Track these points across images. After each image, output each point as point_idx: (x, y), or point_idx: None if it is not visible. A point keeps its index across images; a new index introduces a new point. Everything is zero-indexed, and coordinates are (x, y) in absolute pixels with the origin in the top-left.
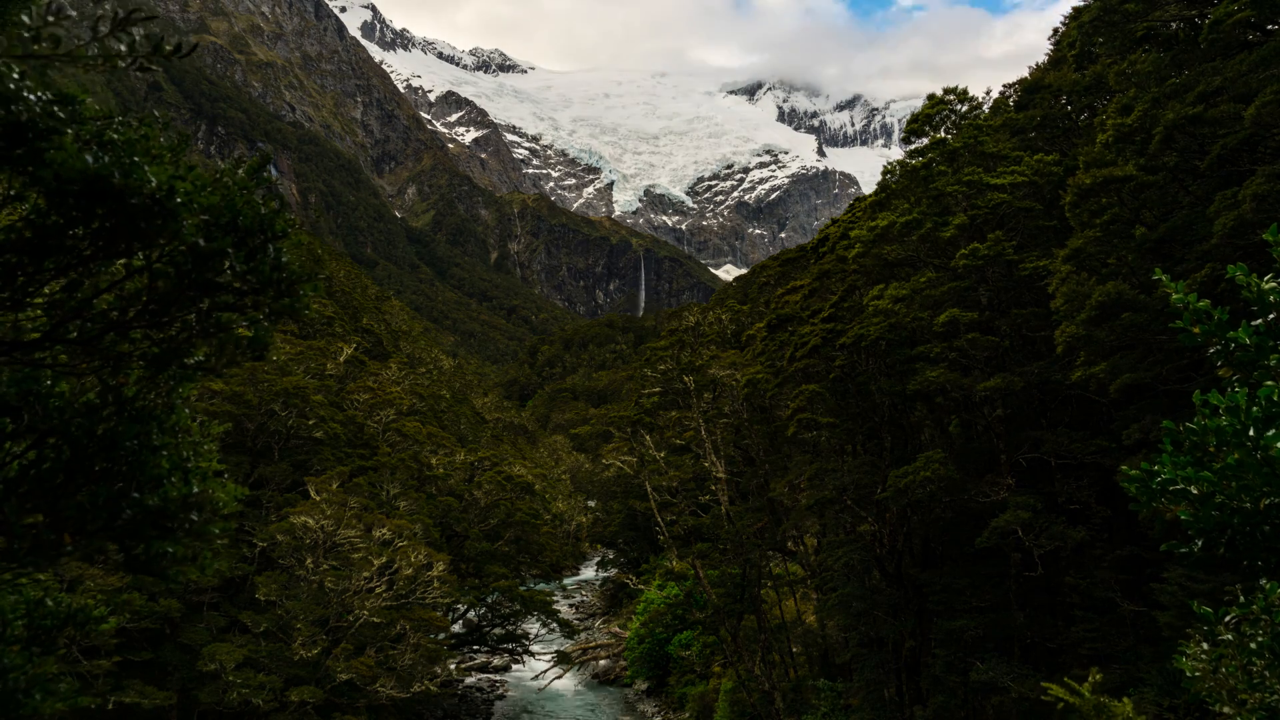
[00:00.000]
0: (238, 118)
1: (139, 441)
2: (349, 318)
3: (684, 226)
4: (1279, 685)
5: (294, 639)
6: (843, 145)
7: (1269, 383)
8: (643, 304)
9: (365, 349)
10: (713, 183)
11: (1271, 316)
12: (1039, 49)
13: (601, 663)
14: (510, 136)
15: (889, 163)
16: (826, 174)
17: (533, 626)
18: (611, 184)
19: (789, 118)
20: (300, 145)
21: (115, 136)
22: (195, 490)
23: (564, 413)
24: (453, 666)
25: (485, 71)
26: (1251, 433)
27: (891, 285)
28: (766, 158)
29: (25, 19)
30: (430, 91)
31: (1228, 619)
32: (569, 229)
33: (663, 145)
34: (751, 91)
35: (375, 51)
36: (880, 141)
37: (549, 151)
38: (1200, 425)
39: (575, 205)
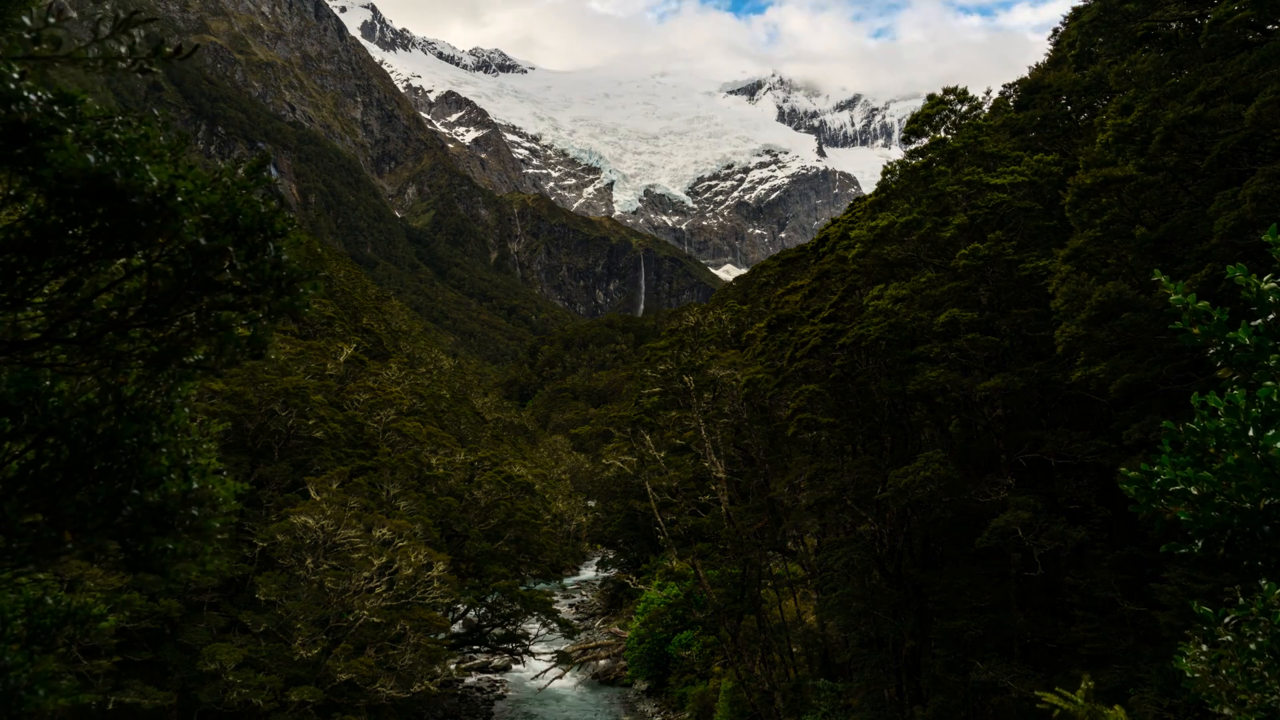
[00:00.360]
0: (238, 118)
1: (138, 440)
2: (349, 318)
3: (684, 226)
4: (1278, 686)
5: (294, 639)
6: (843, 145)
7: (1268, 383)
8: (643, 304)
9: (365, 349)
10: (713, 183)
11: (1271, 317)
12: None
13: (601, 663)
14: (510, 136)
15: (889, 163)
16: (826, 174)
17: (533, 626)
18: (611, 184)
19: (789, 118)
20: (300, 145)
21: (116, 136)
22: (195, 487)
23: (564, 413)
24: (453, 666)
25: (485, 71)
26: (1251, 433)
27: (891, 285)
28: (766, 158)
29: (26, 20)
30: (430, 91)
31: (1227, 620)
32: (569, 229)
33: (663, 145)
34: (751, 91)
35: (375, 51)
36: (880, 141)
37: (549, 151)
38: (1200, 426)
39: (575, 205)
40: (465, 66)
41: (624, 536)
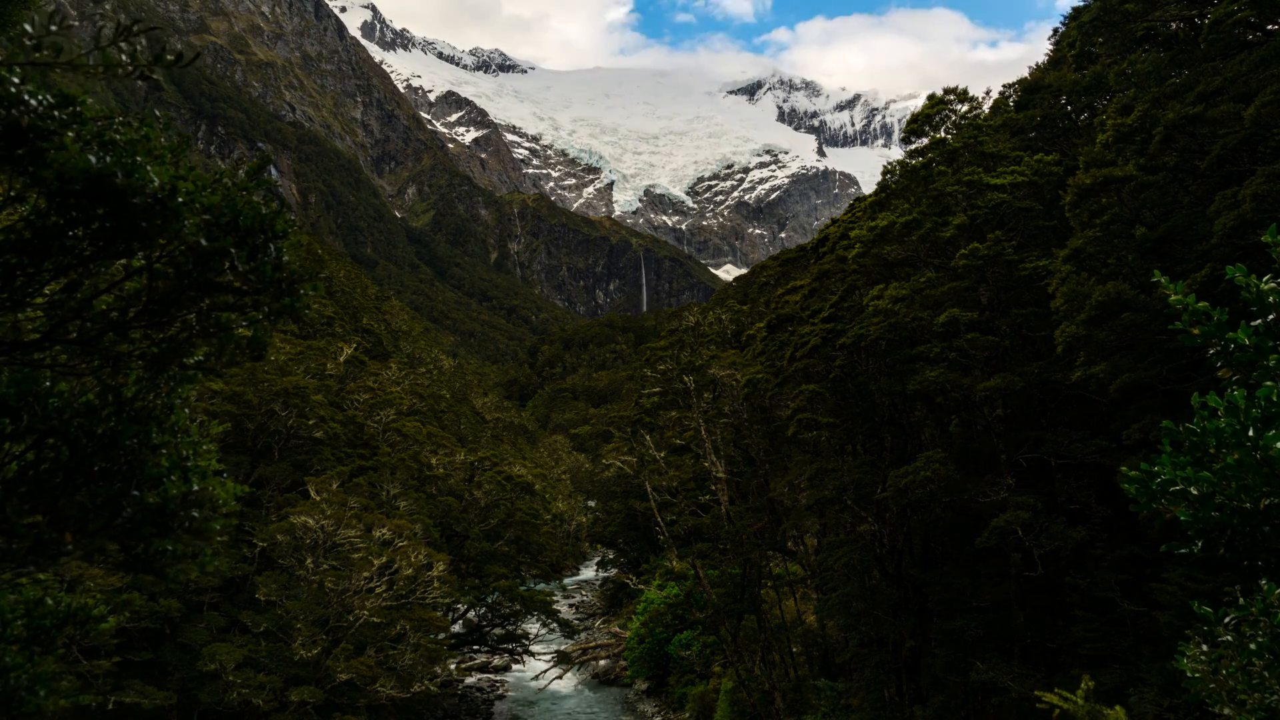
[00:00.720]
0: (238, 118)
1: (138, 441)
2: (349, 318)
3: (684, 226)
4: (1278, 686)
5: (294, 639)
6: (843, 145)
7: (1268, 383)
8: (643, 304)
9: (365, 349)
10: (713, 183)
11: (1271, 317)
12: None
13: (601, 663)
14: (510, 136)
15: (889, 163)
16: (826, 174)
17: (533, 626)
18: (611, 184)
19: (789, 118)
20: (300, 145)
21: (117, 137)
22: (195, 488)
23: (564, 413)
24: (453, 666)
25: (485, 71)
26: (1251, 433)
27: (891, 285)
28: (766, 158)
29: (28, 27)
30: (430, 91)
31: (1227, 620)
32: (569, 229)
33: (663, 145)
34: (751, 91)
35: (375, 51)
36: (880, 141)
37: (549, 151)
38: (1200, 426)
39: (575, 205)
40: (465, 66)
41: (624, 536)
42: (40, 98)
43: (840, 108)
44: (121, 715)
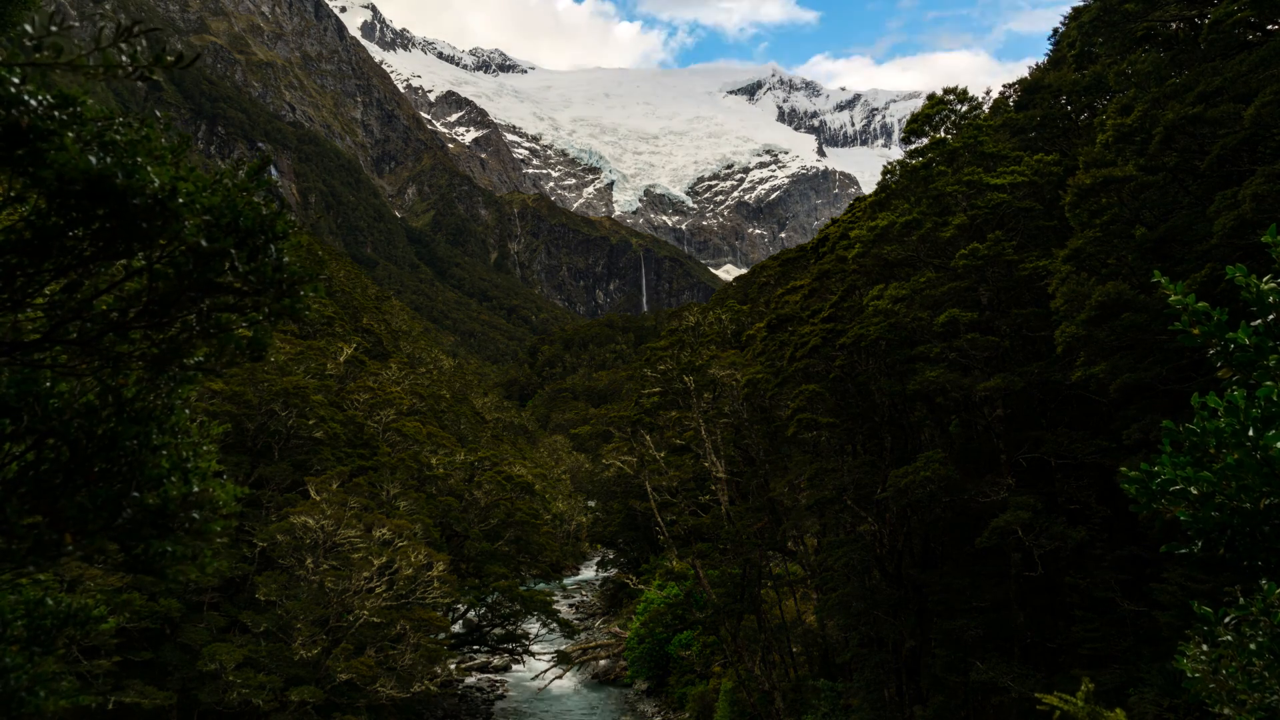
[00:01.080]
0: (238, 118)
1: (138, 441)
2: (349, 318)
3: (684, 226)
4: (1278, 686)
5: (294, 639)
6: (843, 145)
7: (1268, 383)
8: (643, 304)
9: (365, 349)
10: (713, 183)
11: (1271, 317)
12: None
13: (601, 663)
14: (510, 136)
15: (889, 163)
16: (826, 174)
17: (533, 626)
18: (611, 184)
19: (789, 118)
20: (300, 145)
21: (117, 137)
22: (195, 489)
23: (564, 413)
24: (453, 666)
25: (485, 71)
26: (1251, 433)
27: (891, 285)
28: (766, 158)
29: (28, 28)
30: (430, 91)
31: (1227, 620)
32: (569, 229)
33: (663, 145)
34: (751, 91)
35: (375, 51)
36: (880, 141)
37: (549, 151)
38: (1200, 426)
39: (575, 205)
40: (465, 66)
41: (624, 536)
42: (40, 98)
43: (840, 108)
44: (121, 715)
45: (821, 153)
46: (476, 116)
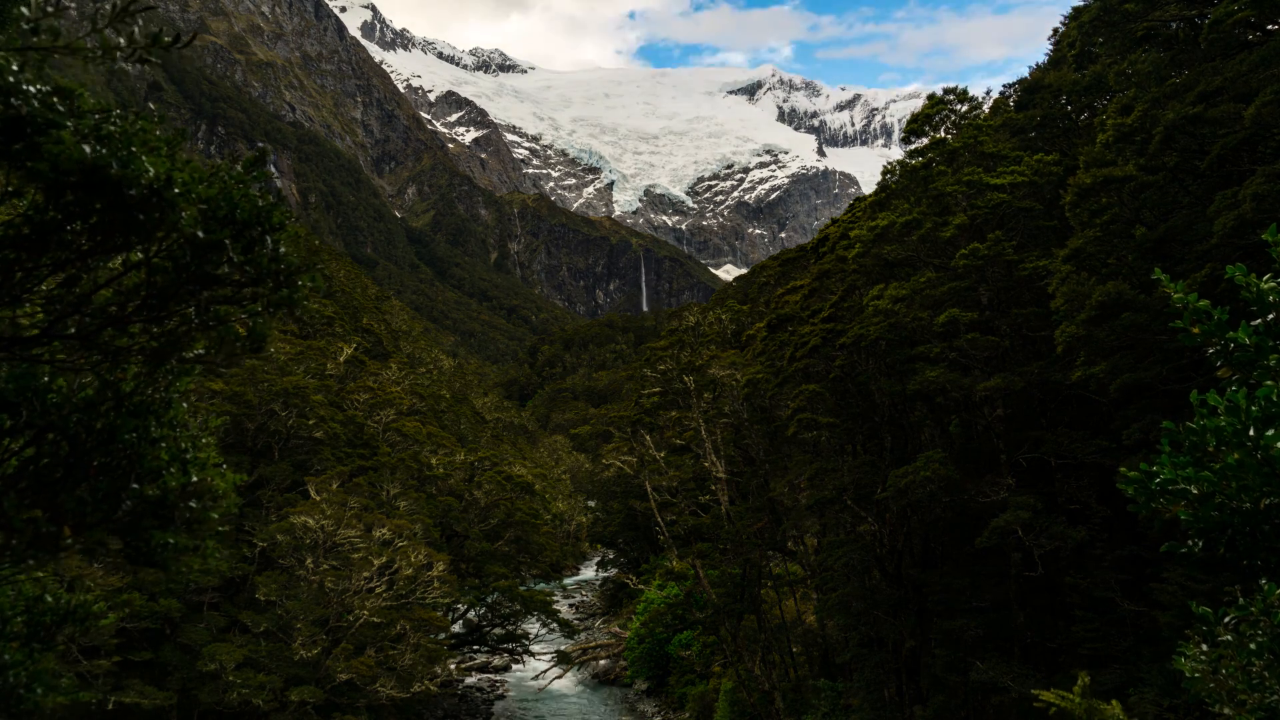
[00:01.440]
0: (238, 118)
1: (137, 435)
2: (349, 317)
3: (684, 226)
4: (1278, 686)
5: (294, 639)
6: (843, 145)
7: (1268, 383)
8: (643, 304)
9: (365, 349)
10: (713, 183)
11: (1271, 316)
12: None
13: (601, 663)
14: (510, 136)
15: (889, 163)
16: (826, 174)
17: (533, 626)
18: (611, 184)
19: (789, 118)
20: (300, 145)
21: (112, 129)
22: (194, 480)
23: (564, 413)
24: (453, 666)
25: (485, 71)
26: (1251, 433)
27: (891, 285)
28: (766, 158)
29: (24, 11)
30: (430, 91)
31: (1227, 619)
32: (569, 229)
33: (663, 145)
34: (751, 91)
35: (375, 51)
36: (880, 141)
37: (549, 151)
38: (1200, 425)
39: (575, 205)
40: (465, 66)
41: (624, 536)
42: (38, 86)
43: (840, 108)
44: (121, 715)
45: (821, 153)
46: (476, 116)
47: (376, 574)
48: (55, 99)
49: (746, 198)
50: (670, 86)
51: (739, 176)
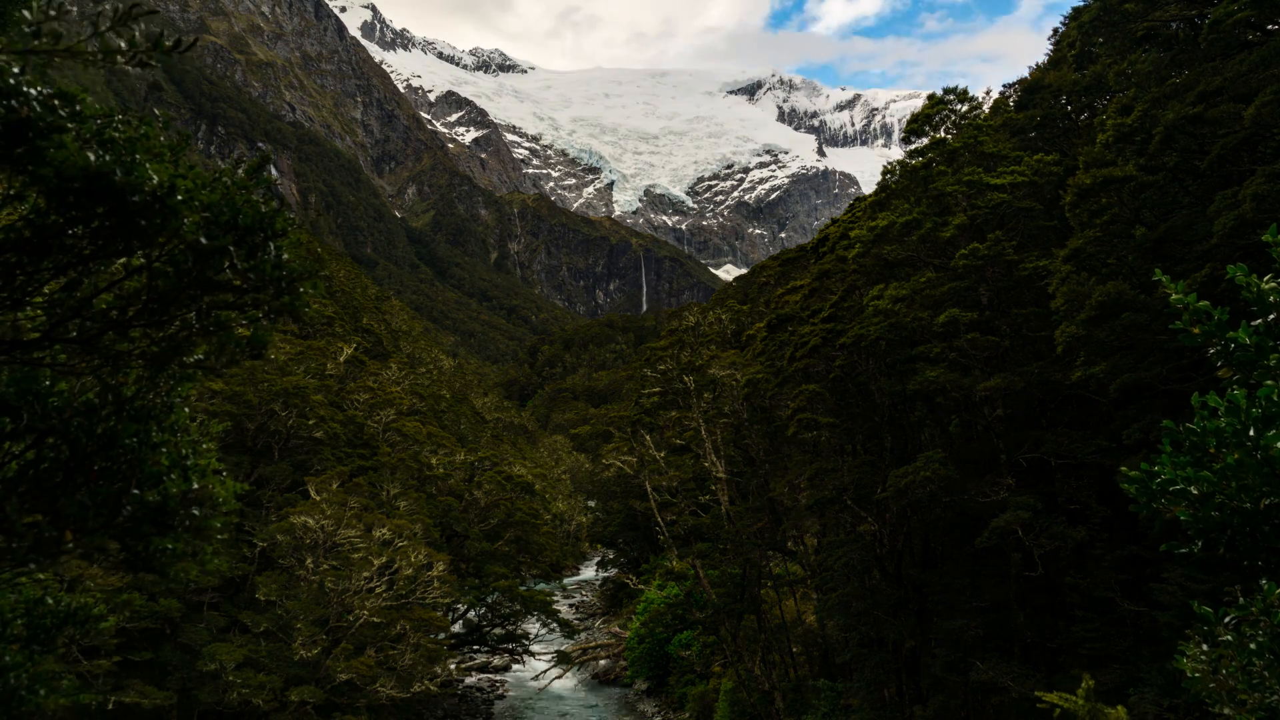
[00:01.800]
0: (238, 118)
1: (138, 439)
2: (349, 318)
3: (684, 226)
4: (1278, 686)
5: (294, 639)
6: (843, 145)
7: (1268, 383)
8: (643, 304)
9: (365, 349)
10: (713, 183)
11: (1271, 316)
12: None
13: (601, 663)
14: (510, 136)
15: (889, 163)
16: (826, 174)
17: (533, 626)
18: (611, 184)
19: (789, 118)
20: (300, 145)
21: (116, 134)
22: (195, 486)
23: (564, 413)
24: (453, 666)
25: (485, 71)
26: (1251, 433)
27: (891, 285)
28: (766, 158)
29: (26, 14)
30: (430, 91)
31: (1227, 619)
32: (569, 229)
33: (663, 145)
34: (751, 91)
35: (375, 51)
36: (880, 141)
37: (549, 151)
38: (1200, 426)
39: (575, 205)
40: (465, 66)
41: (624, 536)
42: (40, 90)
43: (840, 108)
44: (121, 715)
45: (821, 153)
46: (476, 116)
47: (376, 574)
48: (57, 102)
49: (746, 198)
50: (670, 86)
51: (739, 176)
